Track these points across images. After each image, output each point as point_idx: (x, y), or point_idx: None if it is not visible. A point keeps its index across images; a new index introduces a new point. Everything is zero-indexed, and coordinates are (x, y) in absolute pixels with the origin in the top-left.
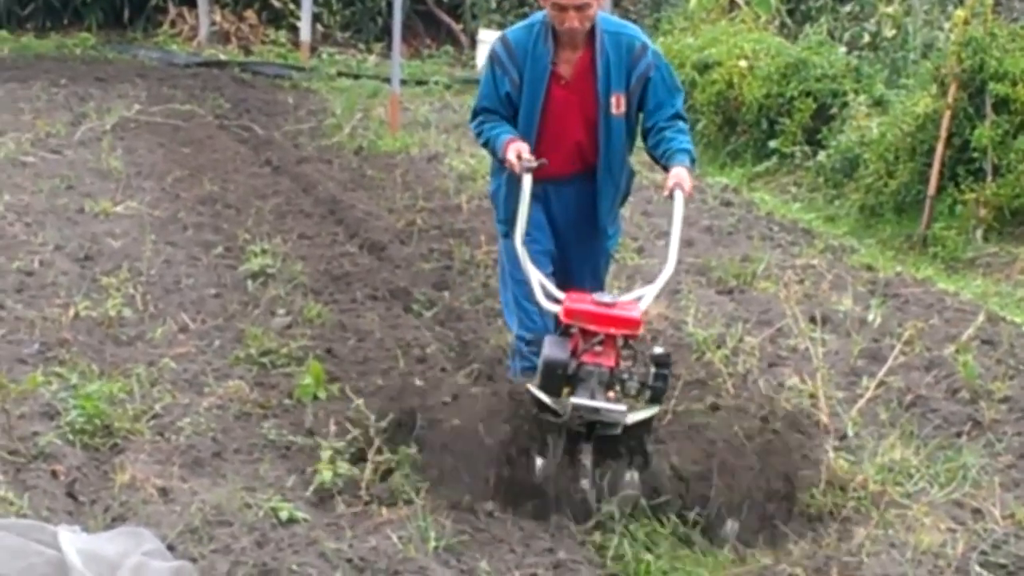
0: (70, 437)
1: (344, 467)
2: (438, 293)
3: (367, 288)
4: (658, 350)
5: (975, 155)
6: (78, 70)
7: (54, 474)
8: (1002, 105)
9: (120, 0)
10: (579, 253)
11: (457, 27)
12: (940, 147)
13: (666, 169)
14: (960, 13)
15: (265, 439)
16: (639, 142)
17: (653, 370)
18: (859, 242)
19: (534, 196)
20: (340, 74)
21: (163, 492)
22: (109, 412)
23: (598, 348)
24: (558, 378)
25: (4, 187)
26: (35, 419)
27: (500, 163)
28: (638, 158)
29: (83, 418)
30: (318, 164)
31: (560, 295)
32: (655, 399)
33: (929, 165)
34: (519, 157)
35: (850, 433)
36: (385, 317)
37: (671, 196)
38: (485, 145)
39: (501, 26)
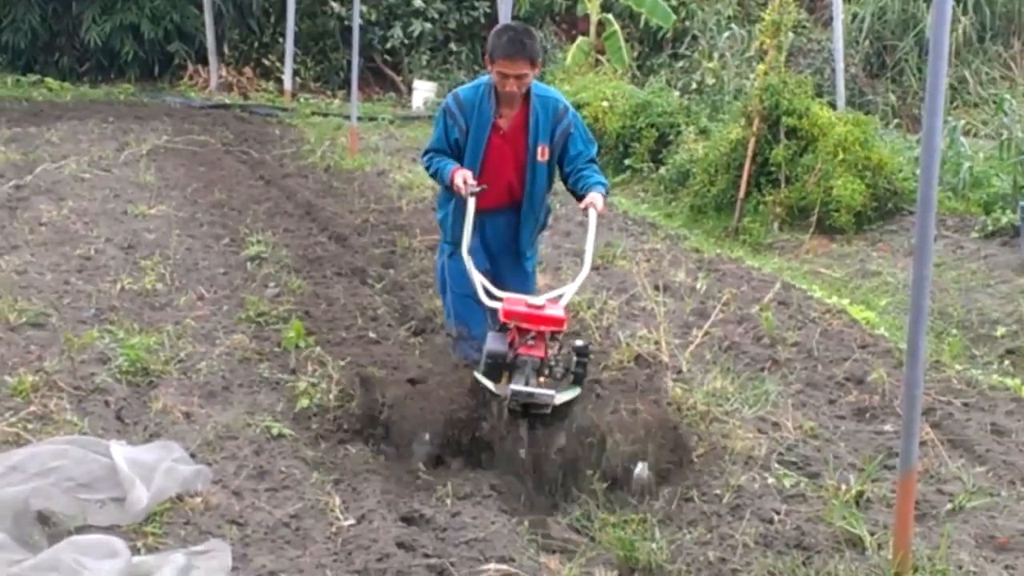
0: (118, 376)
1: (317, 396)
2: (385, 270)
3: (334, 267)
4: (579, 342)
5: (772, 169)
6: (121, 111)
7: (107, 403)
8: (792, 133)
9: (152, 59)
10: (505, 270)
11: (398, 79)
12: (747, 163)
13: (583, 198)
14: (761, 67)
15: (261, 377)
16: (562, 184)
17: (575, 359)
18: (689, 232)
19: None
20: (313, 113)
21: (187, 416)
22: (147, 358)
23: (531, 342)
24: (499, 366)
25: (68, 196)
26: (92, 363)
27: (447, 189)
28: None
29: (127, 362)
30: (298, 178)
31: (500, 294)
32: (577, 382)
33: (740, 176)
34: (465, 182)
35: (684, 369)
36: (347, 288)
37: (586, 212)
38: (434, 175)
39: (431, 79)
